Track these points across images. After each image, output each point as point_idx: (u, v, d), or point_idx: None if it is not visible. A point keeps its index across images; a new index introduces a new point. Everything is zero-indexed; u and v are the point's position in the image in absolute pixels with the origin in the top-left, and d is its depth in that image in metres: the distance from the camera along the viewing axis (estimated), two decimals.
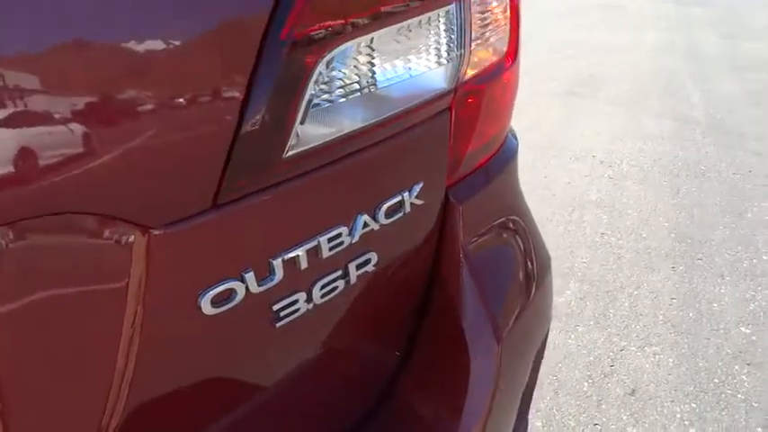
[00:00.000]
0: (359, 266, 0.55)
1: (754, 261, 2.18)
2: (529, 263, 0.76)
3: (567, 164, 2.94)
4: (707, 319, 1.91)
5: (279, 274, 0.48)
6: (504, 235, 0.73)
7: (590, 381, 1.69)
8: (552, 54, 4.72)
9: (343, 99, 0.48)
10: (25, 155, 0.34)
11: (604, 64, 4.50)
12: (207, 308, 0.45)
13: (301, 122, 0.45)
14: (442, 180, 0.61)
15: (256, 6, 0.41)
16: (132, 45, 0.36)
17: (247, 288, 0.47)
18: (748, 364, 1.73)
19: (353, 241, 0.53)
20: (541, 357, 0.82)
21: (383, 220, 0.55)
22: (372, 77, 0.50)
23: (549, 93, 3.88)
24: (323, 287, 0.53)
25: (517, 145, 0.76)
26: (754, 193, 2.63)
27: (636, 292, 2.04)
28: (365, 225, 0.54)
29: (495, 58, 0.64)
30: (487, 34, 0.61)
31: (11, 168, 0.34)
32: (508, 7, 0.63)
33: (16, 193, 0.35)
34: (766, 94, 3.80)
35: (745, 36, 5.11)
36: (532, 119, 3.43)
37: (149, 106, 0.37)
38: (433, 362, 0.66)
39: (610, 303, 1.99)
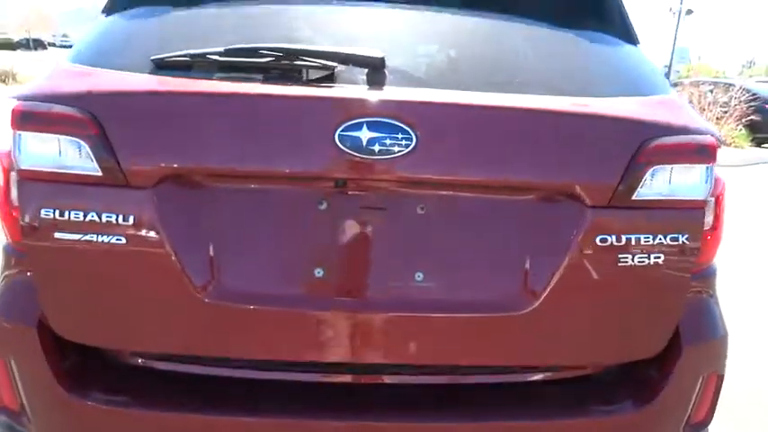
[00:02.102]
0: (654, 257, 1.22)
1: None
2: (718, 312, 1.43)
3: None
4: None
5: (623, 241, 1.20)
6: (704, 295, 1.42)
7: None
8: None
9: (654, 187, 1.22)
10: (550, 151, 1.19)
11: None
12: (593, 247, 1.20)
13: (638, 192, 1.20)
14: (697, 247, 1.26)
15: (639, 140, 1.20)
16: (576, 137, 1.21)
17: (612, 243, 1.20)
18: None
19: (653, 244, 1.22)
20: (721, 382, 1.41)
21: (667, 242, 1.23)
22: (670, 181, 1.23)
23: None
24: (638, 258, 1.21)
25: (716, 270, 1.45)
26: None
27: None
28: (658, 244, 1.23)
29: (709, 223, 1.33)
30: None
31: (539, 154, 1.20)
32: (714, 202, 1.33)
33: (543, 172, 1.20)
34: None
35: None
36: None
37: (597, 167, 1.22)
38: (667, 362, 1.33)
39: None
